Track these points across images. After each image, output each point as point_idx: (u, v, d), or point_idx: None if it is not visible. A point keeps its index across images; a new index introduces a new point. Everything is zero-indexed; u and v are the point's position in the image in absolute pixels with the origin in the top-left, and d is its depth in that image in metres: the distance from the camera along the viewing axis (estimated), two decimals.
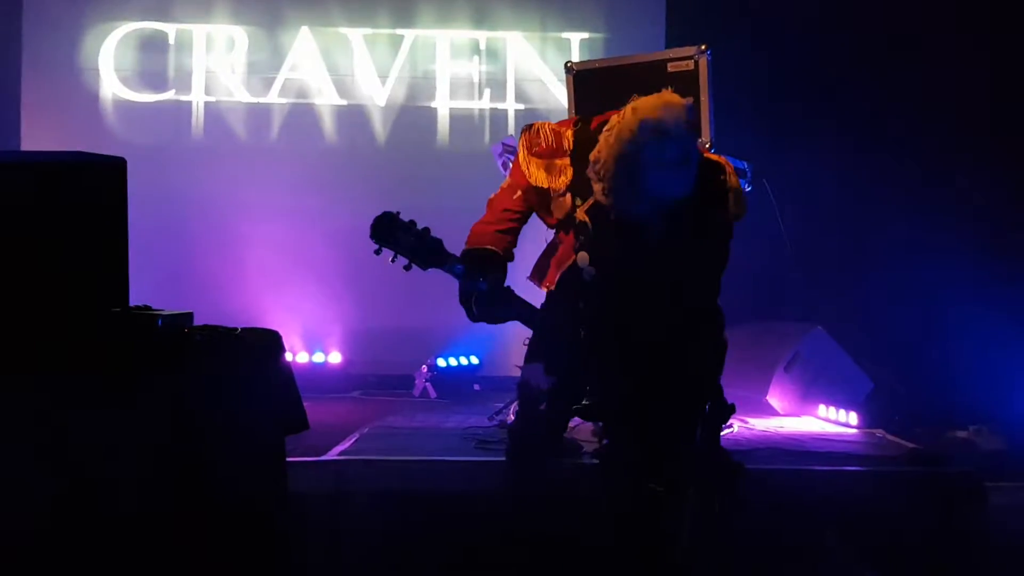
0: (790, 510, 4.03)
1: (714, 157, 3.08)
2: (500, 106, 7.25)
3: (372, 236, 3.01)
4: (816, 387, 5.84)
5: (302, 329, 6.93)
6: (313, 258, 6.81)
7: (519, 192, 3.16)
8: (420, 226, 3.02)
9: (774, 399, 5.81)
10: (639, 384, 2.87)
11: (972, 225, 5.91)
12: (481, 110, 7.27)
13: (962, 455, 4.72)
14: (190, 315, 2.74)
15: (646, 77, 4.96)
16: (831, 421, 5.60)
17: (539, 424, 3.09)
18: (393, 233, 2.99)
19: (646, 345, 2.90)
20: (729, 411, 3.03)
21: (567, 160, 3.02)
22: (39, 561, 2.32)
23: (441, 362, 6.75)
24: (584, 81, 5.11)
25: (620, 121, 2.82)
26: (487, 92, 7.26)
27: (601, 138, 2.86)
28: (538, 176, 3.05)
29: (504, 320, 3.10)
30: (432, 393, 6.57)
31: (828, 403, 5.69)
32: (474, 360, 6.79)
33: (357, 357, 7.00)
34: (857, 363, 5.94)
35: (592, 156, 2.86)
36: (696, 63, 4.78)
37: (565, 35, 7.22)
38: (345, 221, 6.76)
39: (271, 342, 2.90)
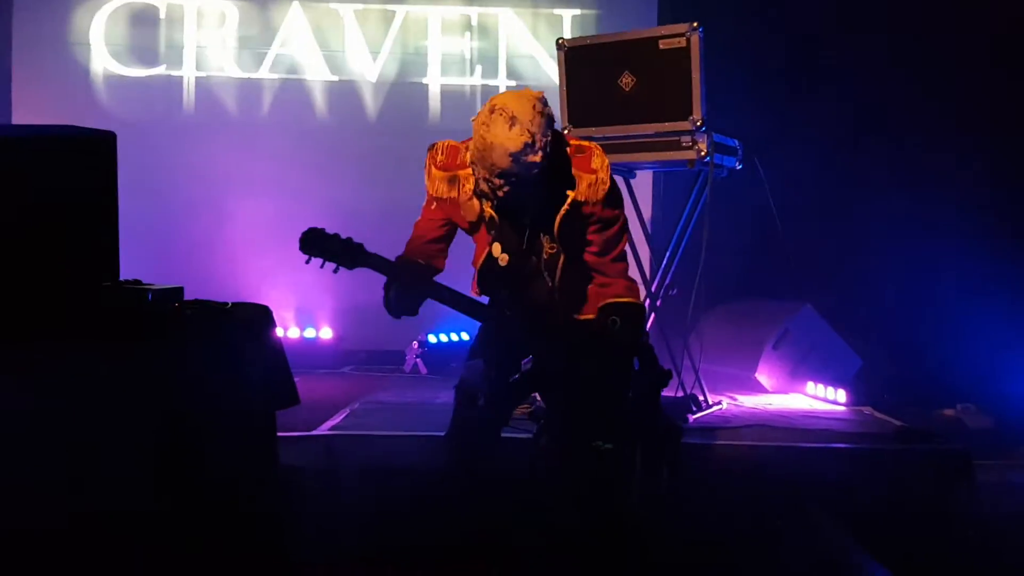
0: (778, 487, 4.06)
1: (585, 144, 3.25)
2: (492, 83, 7.22)
3: (301, 248, 3.24)
4: (805, 365, 5.87)
5: (293, 304, 6.93)
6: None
7: (434, 204, 3.38)
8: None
9: (763, 376, 5.84)
10: (566, 352, 3.13)
11: (961, 205, 5.93)
12: (473, 86, 7.24)
13: (950, 433, 4.76)
14: (180, 290, 2.73)
15: (638, 54, 4.95)
16: (819, 399, 5.63)
17: (471, 431, 3.20)
18: (318, 243, 3.25)
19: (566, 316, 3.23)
20: (665, 376, 3.22)
21: (468, 170, 3.26)
22: (27, 520, 2.33)
23: (432, 338, 6.76)
24: (576, 58, 5.10)
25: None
26: (479, 68, 7.23)
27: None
28: (442, 188, 3.30)
29: (419, 304, 3.38)
30: (423, 369, 6.59)
31: (817, 381, 5.73)
32: (464, 336, 6.80)
33: (348, 333, 7.01)
34: (846, 341, 5.96)
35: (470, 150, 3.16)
36: (688, 40, 4.77)
37: (557, 11, 7.19)
38: (336, 197, 6.75)
39: (261, 317, 2.91)
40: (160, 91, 7.02)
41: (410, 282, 3.25)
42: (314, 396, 5.05)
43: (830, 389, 5.59)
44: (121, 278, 2.66)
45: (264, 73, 7.08)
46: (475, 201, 3.24)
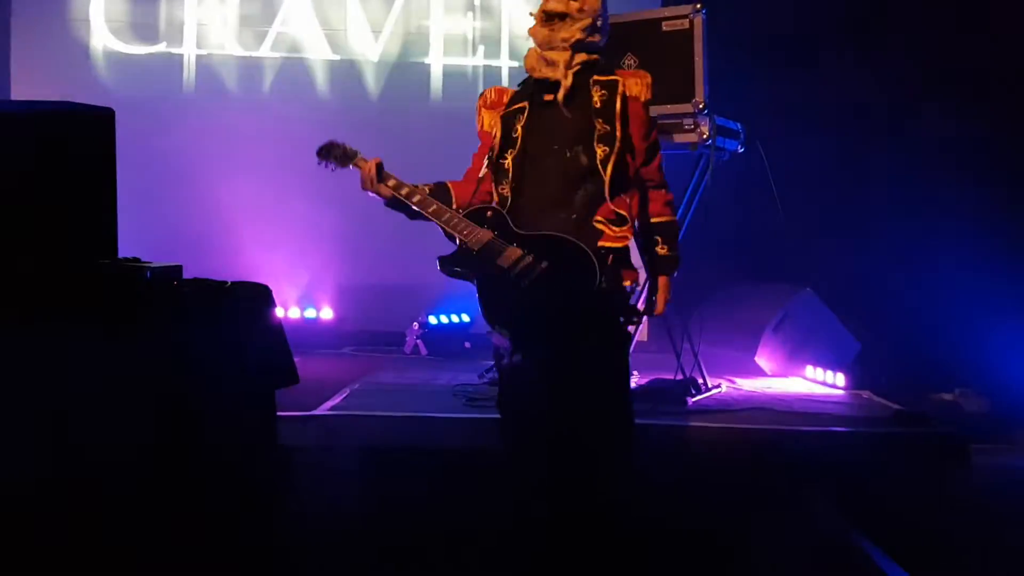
0: (776, 469, 4.07)
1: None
2: (494, 63, 7.20)
3: (317, 154, 3.44)
4: (804, 348, 5.88)
5: (294, 284, 6.94)
6: (305, 214, 6.79)
7: (481, 148, 3.32)
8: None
9: (762, 360, 5.84)
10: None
11: (961, 189, 5.91)
12: (475, 67, 7.22)
13: (947, 417, 4.77)
14: (179, 268, 2.73)
15: (641, 35, 4.93)
16: (818, 382, 5.64)
17: (518, 384, 3.10)
18: (327, 150, 3.41)
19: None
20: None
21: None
22: (26, 495, 2.33)
23: (432, 319, 6.77)
24: None
25: None
26: (481, 49, 7.21)
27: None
28: (487, 121, 3.27)
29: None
30: (423, 350, 6.60)
31: (816, 364, 5.74)
32: (465, 318, 6.81)
33: (349, 313, 7.02)
34: (845, 325, 5.97)
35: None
36: (691, 22, 4.75)
37: None
38: (337, 176, 6.73)
39: (261, 296, 2.90)
40: (160, 69, 7.01)
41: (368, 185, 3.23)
42: (314, 376, 5.06)
43: (829, 373, 5.60)
44: (120, 256, 2.66)
45: (265, 51, 7.06)
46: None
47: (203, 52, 7.04)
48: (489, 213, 3.05)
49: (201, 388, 2.56)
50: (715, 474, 3.98)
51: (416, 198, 3.10)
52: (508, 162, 3.11)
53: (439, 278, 3.20)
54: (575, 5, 3.08)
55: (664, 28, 4.84)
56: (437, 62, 7.18)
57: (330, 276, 6.98)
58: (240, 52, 7.05)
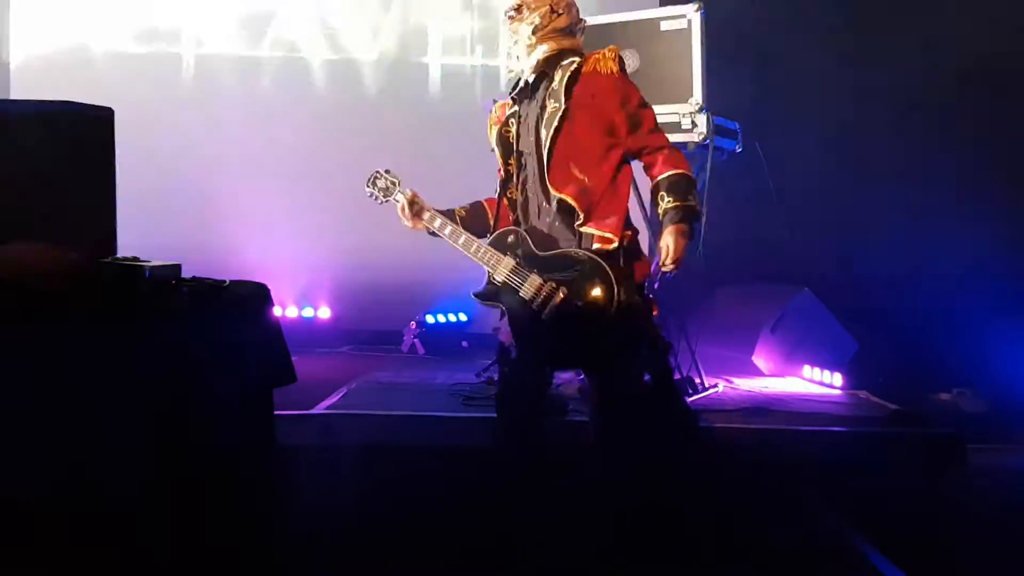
0: (773, 469, 4.07)
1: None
2: (492, 63, 7.20)
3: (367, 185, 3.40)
4: (802, 348, 5.88)
5: (292, 283, 6.94)
6: (303, 212, 6.79)
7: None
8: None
9: (760, 359, 5.85)
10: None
11: (959, 190, 5.92)
12: (473, 66, 7.22)
13: (945, 417, 4.78)
14: (178, 267, 2.73)
15: (640, 35, 4.94)
16: (816, 382, 5.65)
17: (518, 383, 3.15)
18: (373, 180, 3.38)
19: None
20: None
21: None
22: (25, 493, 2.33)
23: (430, 319, 6.77)
24: None
25: None
26: (479, 48, 7.21)
27: None
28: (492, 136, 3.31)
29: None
30: (420, 349, 6.60)
31: (813, 364, 5.74)
32: (462, 317, 6.81)
33: (347, 312, 7.02)
34: (843, 325, 5.97)
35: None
36: (690, 22, 4.76)
37: None
38: (336, 175, 6.74)
39: (259, 295, 2.90)
40: (159, 68, 7.00)
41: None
42: (311, 375, 5.06)
43: (826, 373, 5.60)
44: (118, 254, 2.66)
45: (264, 51, 7.06)
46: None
47: (202, 51, 7.04)
48: (511, 237, 3.12)
49: (199, 387, 2.55)
50: (712, 473, 3.98)
51: (447, 230, 3.20)
52: (512, 166, 3.19)
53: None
54: None
55: (663, 28, 4.84)
56: (435, 61, 7.18)
57: (328, 275, 6.98)
58: (239, 51, 7.05)
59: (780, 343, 5.89)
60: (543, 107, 3.11)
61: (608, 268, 2.95)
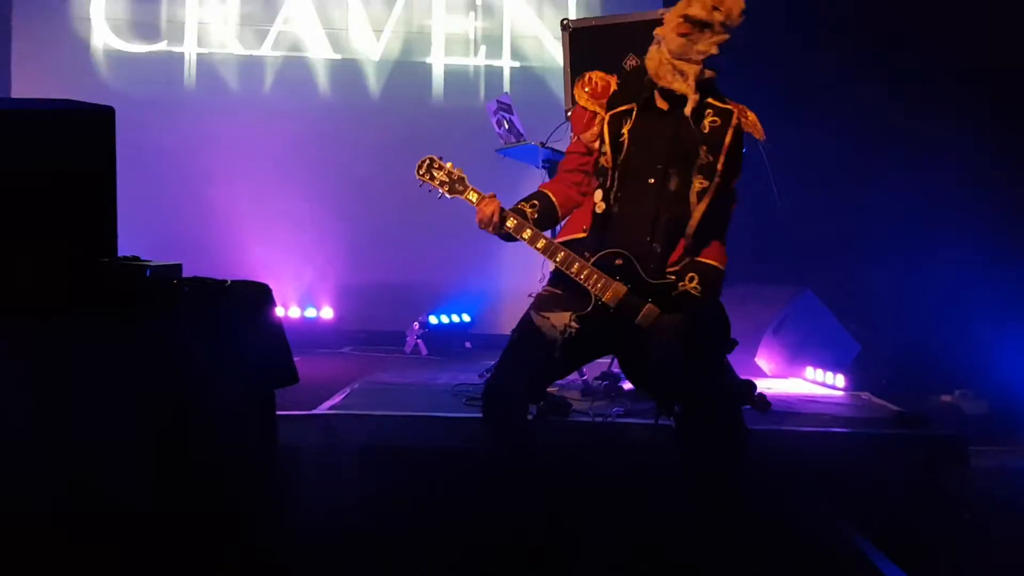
0: (776, 470, 4.06)
1: None
2: (496, 63, 7.20)
3: (417, 173, 3.13)
4: (804, 349, 5.87)
5: (294, 284, 6.94)
6: (306, 213, 6.80)
7: (575, 138, 3.20)
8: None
9: (762, 360, 5.84)
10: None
11: (961, 191, 5.91)
12: (476, 67, 7.22)
13: (947, 419, 4.76)
14: (179, 266, 2.73)
15: (643, 35, 4.90)
16: (818, 383, 5.64)
17: (515, 375, 3.08)
18: (429, 168, 3.11)
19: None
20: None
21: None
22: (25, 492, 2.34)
23: (433, 319, 6.77)
24: (580, 39, 5.07)
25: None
26: (483, 49, 7.21)
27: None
28: (589, 108, 3.11)
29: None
30: (423, 350, 6.60)
31: (815, 365, 5.73)
32: (465, 318, 6.81)
33: (349, 313, 7.02)
34: (845, 326, 5.97)
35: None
36: None
37: None
38: (338, 176, 6.75)
39: (261, 295, 2.90)
40: (161, 67, 7.02)
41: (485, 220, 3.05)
42: (314, 376, 5.06)
43: (829, 374, 5.60)
44: (119, 254, 2.66)
45: (266, 50, 7.06)
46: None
47: (204, 51, 7.05)
48: (619, 261, 2.96)
49: (201, 387, 2.56)
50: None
51: (540, 244, 3.00)
52: (612, 169, 3.01)
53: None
54: (719, 16, 2.95)
55: None
56: (438, 62, 7.18)
57: (330, 275, 6.98)
58: (241, 51, 7.06)
59: (782, 344, 5.88)
60: (690, 143, 2.96)
61: (723, 310, 2.95)
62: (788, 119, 6.14)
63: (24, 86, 6.77)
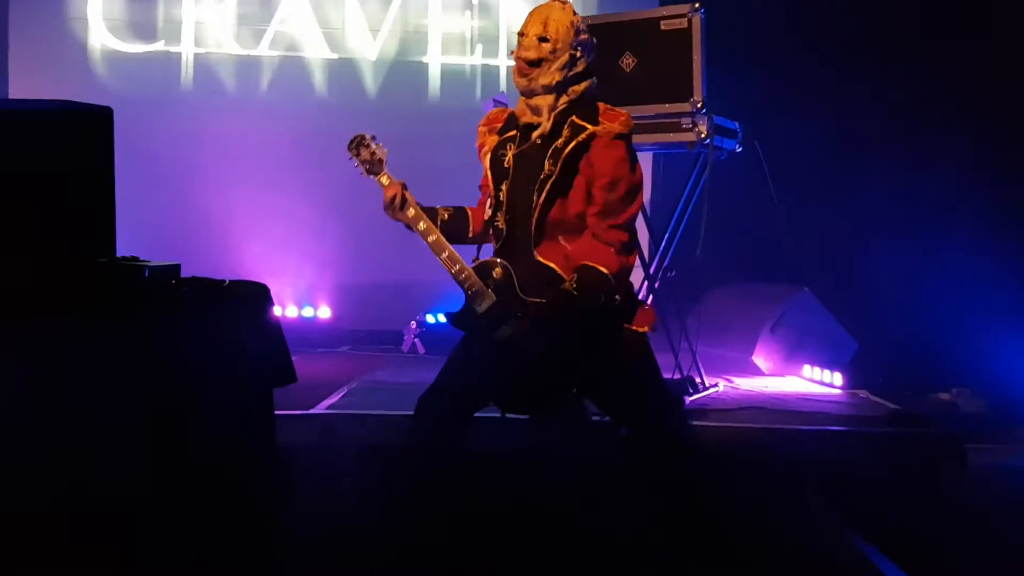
0: (773, 469, 4.07)
1: (619, 110, 3.12)
2: (492, 62, 7.20)
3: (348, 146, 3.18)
4: (801, 348, 5.88)
5: (292, 283, 6.94)
6: (303, 212, 6.79)
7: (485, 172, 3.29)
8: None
9: (760, 359, 5.85)
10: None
11: (959, 189, 5.92)
12: (473, 66, 7.22)
13: (944, 417, 4.77)
14: (177, 267, 2.73)
15: (639, 35, 4.94)
16: (816, 381, 5.65)
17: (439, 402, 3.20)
18: (356, 144, 3.17)
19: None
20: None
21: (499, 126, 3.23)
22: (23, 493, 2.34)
23: (430, 318, 6.77)
24: None
25: None
26: (479, 48, 7.21)
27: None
28: (483, 142, 3.23)
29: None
30: (421, 349, 6.60)
31: (813, 364, 5.74)
32: None
33: (347, 312, 7.02)
34: (843, 325, 5.97)
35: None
36: (689, 21, 4.75)
37: None
38: (335, 175, 6.71)
39: (259, 295, 2.90)
40: (158, 67, 7.00)
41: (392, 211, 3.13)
42: (312, 375, 5.05)
43: (826, 372, 5.61)
44: (118, 255, 2.66)
45: (263, 50, 7.06)
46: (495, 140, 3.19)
47: (201, 51, 7.04)
48: (497, 271, 3.03)
49: (199, 387, 2.56)
50: (711, 474, 3.98)
51: (431, 238, 3.07)
52: (504, 193, 3.09)
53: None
54: (547, 47, 2.98)
55: (662, 27, 4.84)
56: (435, 61, 7.18)
57: (328, 275, 6.98)
58: (238, 51, 7.05)
59: (780, 342, 5.89)
60: (541, 163, 3.02)
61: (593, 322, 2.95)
62: (788, 118, 6.17)
63: (21, 87, 6.76)
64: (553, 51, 2.99)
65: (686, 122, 4.82)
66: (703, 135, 4.80)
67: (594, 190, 2.98)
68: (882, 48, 6.36)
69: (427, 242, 3.09)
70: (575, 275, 2.94)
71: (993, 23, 5.99)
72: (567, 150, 2.97)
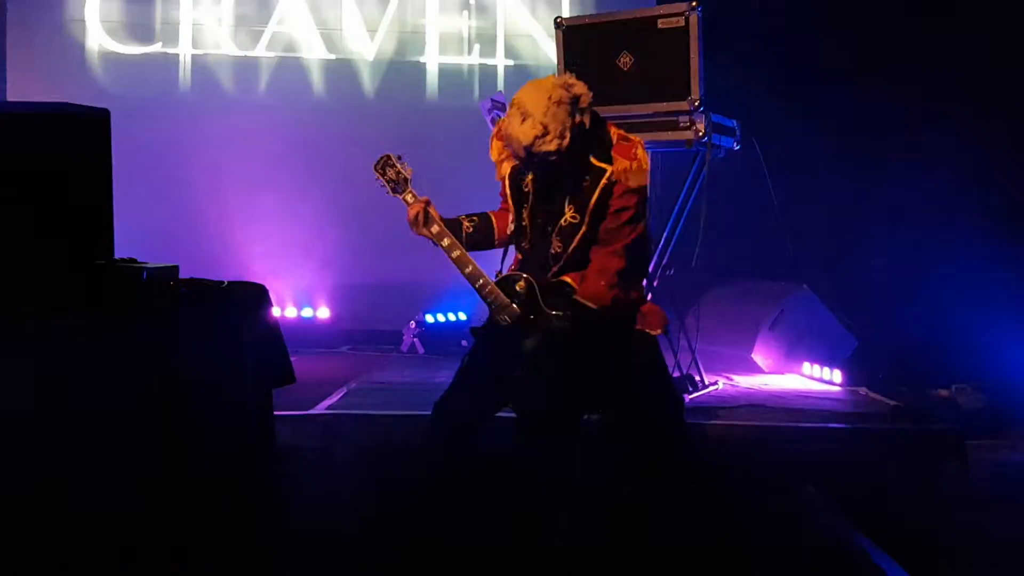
0: (773, 466, 4.08)
1: (633, 137, 3.17)
2: (490, 62, 7.20)
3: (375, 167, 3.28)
4: (801, 345, 5.88)
5: (291, 284, 6.94)
6: (302, 213, 6.79)
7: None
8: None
9: (759, 357, 5.85)
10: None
11: (958, 185, 5.92)
12: (470, 66, 7.22)
13: (944, 413, 4.77)
14: (176, 268, 2.73)
15: (636, 33, 4.93)
16: (815, 379, 5.65)
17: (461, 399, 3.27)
18: (384, 166, 3.26)
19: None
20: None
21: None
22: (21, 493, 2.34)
23: (429, 318, 6.77)
24: (574, 37, 5.08)
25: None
26: (476, 47, 7.20)
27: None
28: (498, 156, 3.29)
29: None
30: (420, 349, 6.60)
31: (813, 361, 5.74)
32: (462, 316, 6.81)
33: (346, 312, 7.02)
34: (842, 322, 5.97)
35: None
36: (687, 20, 4.75)
37: None
38: (333, 176, 6.73)
39: (257, 296, 2.90)
40: (156, 69, 7.00)
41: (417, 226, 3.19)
42: (311, 375, 5.06)
43: (826, 369, 5.61)
44: (116, 256, 2.66)
45: (261, 51, 7.05)
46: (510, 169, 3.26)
47: (199, 52, 7.04)
48: (520, 285, 3.12)
49: (198, 388, 2.56)
50: (711, 471, 3.98)
51: (455, 254, 3.15)
52: (525, 218, 3.18)
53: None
54: (534, 133, 2.97)
55: (660, 26, 4.83)
56: (433, 61, 7.18)
57: (327, 275, 6.98)
58: (236, 52, 7.05)
59: (779, 340, 5.89)
60: (561, 202, 3.09)
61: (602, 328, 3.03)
62: (787, 117, 6.17)
63: (18, 89, 6.75)
64: (542, 135, 2.97)
65: (684, 120, 4.82)
66: (701, 133, 4.80)
67: (608, 217, 3.06)
68: (882, 46, 6.36)
69: (451, 258, 3.15)
70: (568, 312, 3.04)
71: (993, 23, 5.99)
72: (592, 202, 3.03)
